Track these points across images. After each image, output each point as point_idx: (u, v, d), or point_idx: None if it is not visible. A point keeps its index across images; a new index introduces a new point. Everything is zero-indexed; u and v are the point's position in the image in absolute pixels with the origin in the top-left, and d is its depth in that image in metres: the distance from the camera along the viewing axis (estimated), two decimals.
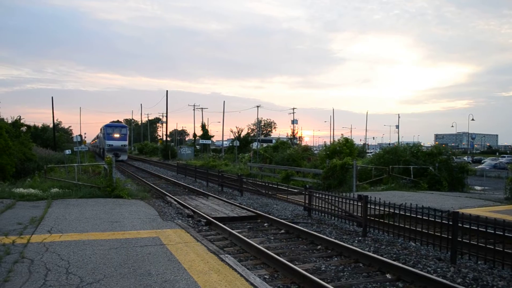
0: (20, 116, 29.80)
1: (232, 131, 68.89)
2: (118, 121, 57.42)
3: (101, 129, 58.04)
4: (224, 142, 69.47)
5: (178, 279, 5.64)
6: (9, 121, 28.57)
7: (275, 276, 6.67)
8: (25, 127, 29.60)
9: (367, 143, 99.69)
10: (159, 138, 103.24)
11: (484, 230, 7.64)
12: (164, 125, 75.49)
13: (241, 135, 66.16)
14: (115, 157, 47.59)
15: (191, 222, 11.25)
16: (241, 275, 5.85)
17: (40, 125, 55.14)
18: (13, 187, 15.27)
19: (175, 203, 14.47)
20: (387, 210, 9.39)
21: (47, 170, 18.02)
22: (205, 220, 11.26)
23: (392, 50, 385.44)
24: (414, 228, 8.56)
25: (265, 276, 6.59)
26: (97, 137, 71.68)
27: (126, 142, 53.25)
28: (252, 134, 75.60)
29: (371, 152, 53.86)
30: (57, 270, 5.90)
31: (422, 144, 31.07)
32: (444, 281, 6.00)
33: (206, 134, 68.90)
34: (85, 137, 71.52)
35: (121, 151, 50.88)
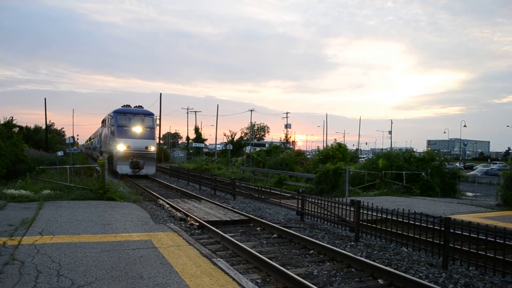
0: (12, 117, 29.53)
1: (225, 135, 69.15)
2: (139, 106, 32.28)
3: (104, 121, 35.40)
4: (217, 146, 69.47)
5: (170, 282, 5.62)
6: (1, 122, 28.32)
7: (268, 281, 6.66)
8: (17, 128, 29.30)
9: (360, 148, 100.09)
10: None
11: (476, 236, 7.69)
12: (158, 127, 75.39)
13: (235, 139, 66.27)
14: (134, 170, 28.70)
15: (183, 225, 11.22)
16: (233, 279, 5.84)
17: (32, 126, 54.66)
18: (4, 188, 15.14)
19: (168, 206, 14.41)
20: (380, 215, 9.42)
21: (39, 171, 17.92)
22: (197, 224, 11.23)
23: (386, 56, 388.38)
24: (406, 234, 8.59)
25: (257, 280, 6.58)
26: (96, 135, 49.99)
27: (154, 142, 30.95)
28: (245, 138, 75.66)
29: (363, 157, 54.06)
30: (48, 272, 5.85)
31: (414, 150, 31.25)
32: (436, 286, 6.02)
33: (199, 138, 68.90)
34: (77, 139, 71.02)
35: (145, 159, 29.16)
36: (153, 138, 30.26)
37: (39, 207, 11.90)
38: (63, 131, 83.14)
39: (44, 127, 53.19)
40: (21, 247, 7.23)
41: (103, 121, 36.47)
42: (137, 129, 29.06)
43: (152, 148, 29.63)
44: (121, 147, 28.25)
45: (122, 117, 29.48)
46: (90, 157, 56.65)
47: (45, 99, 50.84)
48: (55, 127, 77.18)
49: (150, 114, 30.98)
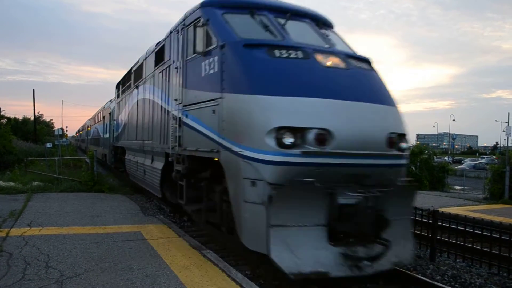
0: (0, 108, 29.29)
1: None
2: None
3: (139, 68, 12.66)
4: None
5: (160, 274, 5.61)
6: None
7: (257, 272, 6.68)
8: (5, 119, 29.09)
9: None
10: None
11: (463, 229, 7.79)
12: None
13: None
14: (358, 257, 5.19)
15: (173, 217, 11.19)
16: (223, 271, 5.85)
17: (20, 118, 54.04)
18: None
19: (158, 198, 14.33)
20: None
21: (28, 163, 17.77)
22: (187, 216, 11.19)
23: (377, 49, 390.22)
24: None
25: (247, 272, 6.60)
26: (97, 119, 30.02)
27: (401, 117, 6.43)
28: None
29: None
30: (36, 264, 5.81)
31: None
32: (424, 278, 6.09)
33: None
34: (66, 130, 70.20)
35: (389, 185, 5.55)
36: (392, 102, 6.53)
37: (27, 199, 11.80)
38: (52, 123, 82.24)
39: (32, 118, 52.63)
40: (9, 239, 7.17)
41: (130, 75, 14.93)
42: (341, 68, 6.15)
43: (403, 145, 6.24)
44: (296, 138, 5.30)
45: (258, 20, 6.60)
46: (84, 152, 40.72)
47: (33, 90, 50.12)
48: (43, 118, 76.40)
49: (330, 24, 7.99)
